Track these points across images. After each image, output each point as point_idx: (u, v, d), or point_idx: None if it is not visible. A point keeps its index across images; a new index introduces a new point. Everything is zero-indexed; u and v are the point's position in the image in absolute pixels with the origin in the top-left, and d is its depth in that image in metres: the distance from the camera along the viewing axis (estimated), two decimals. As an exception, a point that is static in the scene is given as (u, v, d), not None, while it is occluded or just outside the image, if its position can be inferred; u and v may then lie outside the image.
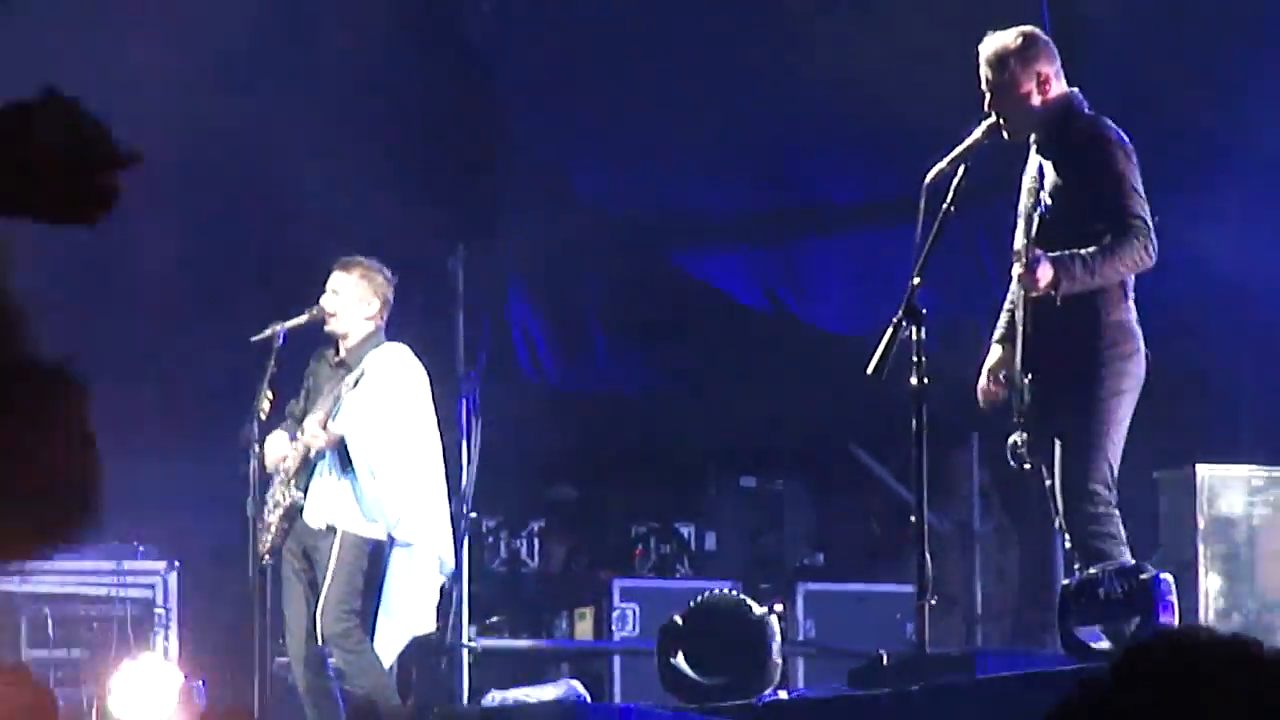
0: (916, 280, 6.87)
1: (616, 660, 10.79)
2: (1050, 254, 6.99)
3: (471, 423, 10.50)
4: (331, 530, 8.88)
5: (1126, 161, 7.15)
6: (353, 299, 9.02)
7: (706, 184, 11.07)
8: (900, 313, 6.83)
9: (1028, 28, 7.42)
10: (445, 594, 9.62)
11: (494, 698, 8.99)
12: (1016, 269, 7.07)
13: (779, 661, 7.89)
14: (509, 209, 10.89)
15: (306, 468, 8.97)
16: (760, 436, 11.65)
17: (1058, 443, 7.10)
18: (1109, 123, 7.26)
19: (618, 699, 10.50)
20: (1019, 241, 7.12)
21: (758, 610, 7.99)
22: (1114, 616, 6.71)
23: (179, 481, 10.17)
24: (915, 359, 6.83)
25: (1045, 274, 6.96)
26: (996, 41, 7.31)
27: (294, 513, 8.93)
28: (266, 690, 8.79)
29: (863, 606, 11.02)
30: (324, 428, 8.89)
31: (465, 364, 10.68)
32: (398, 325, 9.19)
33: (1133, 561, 6.93)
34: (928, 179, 7.04)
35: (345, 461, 8.90)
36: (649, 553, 11.72)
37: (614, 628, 10.91)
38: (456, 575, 9.92)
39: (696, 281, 11.23)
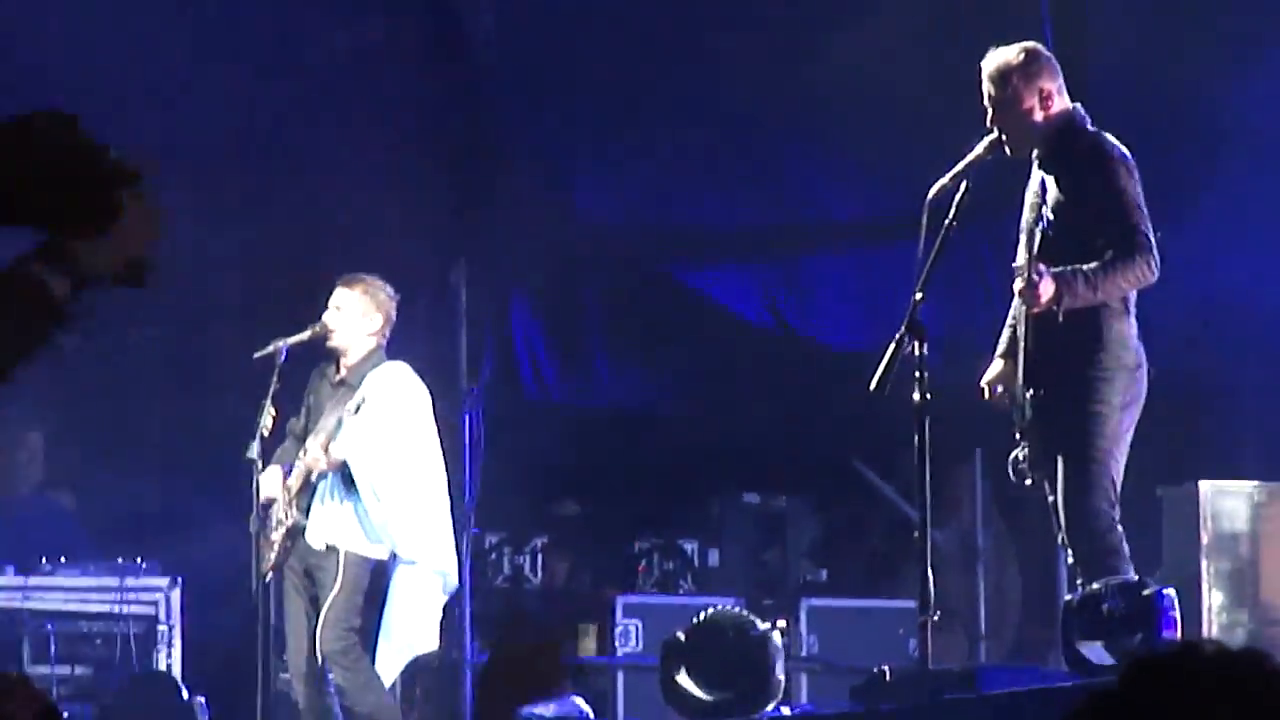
0: (919, 295, 6.87)
1: (620, 676, 10.76)
2: (1052, 269, 6.99)
3: (474, 439, 10.49)
4: (334, 550, 8.87)
5: (1128, 177, 7.15)
6: (355, 315, 9.00)
7: (709, 199, 11.07)
8: (903, 328, 6.83)
9: (1030, 44, 7.43)
10: (448, 611, 9.60)
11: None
12: (1018, 284, 7.06)
13: (782, 678, 7.89)
14: (510, 224, 10.87)
15: (308, 489, 8.95)
16: (763, 452, 11.62)
17: (1060, 458, 7.10)
18: (1111, 139, 7.27)
19: (621, 715, 10.48)
20: (1021, 257, 7.12)
21: (761, 626, 7.98)
22: (1117, 632, 6.69)
23: (182, 498, 10.17)
24: (918, 374, 6.82)
25: (1047, 289, 6.95)
26: (999, 57, 7.32)
27: (296, 532, 8.91)
28: (269, 707, 8.78)
29: (866, 622, 10.99)
30: (325, 450, 8.87)
31: (468, 380, 10.67)
32: (400, 341, 9.17)
33: (1136, 577, 6.92)
34: (931, 194, 7.04)
35: (348, 484, 8.88)
36: (652, 569, 11.70)
37: (617, 644, 10.87)
38: (460, 592, 9.90)
39: (699, 296, 11.23)
